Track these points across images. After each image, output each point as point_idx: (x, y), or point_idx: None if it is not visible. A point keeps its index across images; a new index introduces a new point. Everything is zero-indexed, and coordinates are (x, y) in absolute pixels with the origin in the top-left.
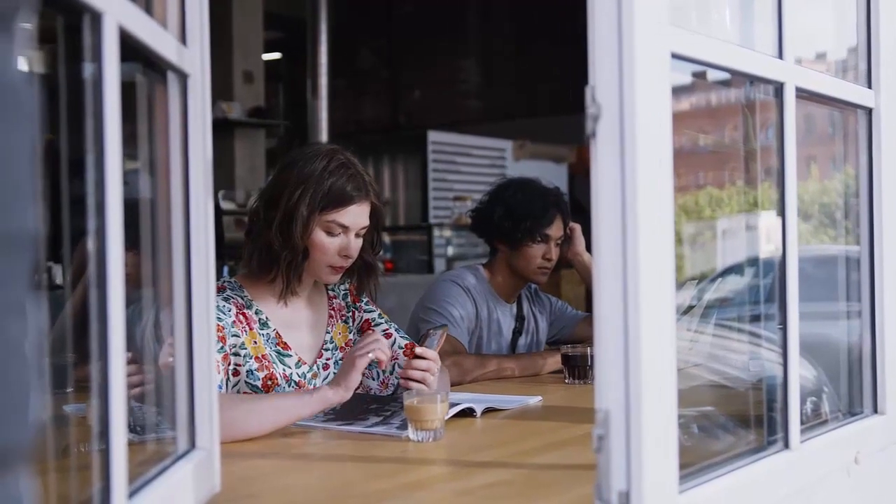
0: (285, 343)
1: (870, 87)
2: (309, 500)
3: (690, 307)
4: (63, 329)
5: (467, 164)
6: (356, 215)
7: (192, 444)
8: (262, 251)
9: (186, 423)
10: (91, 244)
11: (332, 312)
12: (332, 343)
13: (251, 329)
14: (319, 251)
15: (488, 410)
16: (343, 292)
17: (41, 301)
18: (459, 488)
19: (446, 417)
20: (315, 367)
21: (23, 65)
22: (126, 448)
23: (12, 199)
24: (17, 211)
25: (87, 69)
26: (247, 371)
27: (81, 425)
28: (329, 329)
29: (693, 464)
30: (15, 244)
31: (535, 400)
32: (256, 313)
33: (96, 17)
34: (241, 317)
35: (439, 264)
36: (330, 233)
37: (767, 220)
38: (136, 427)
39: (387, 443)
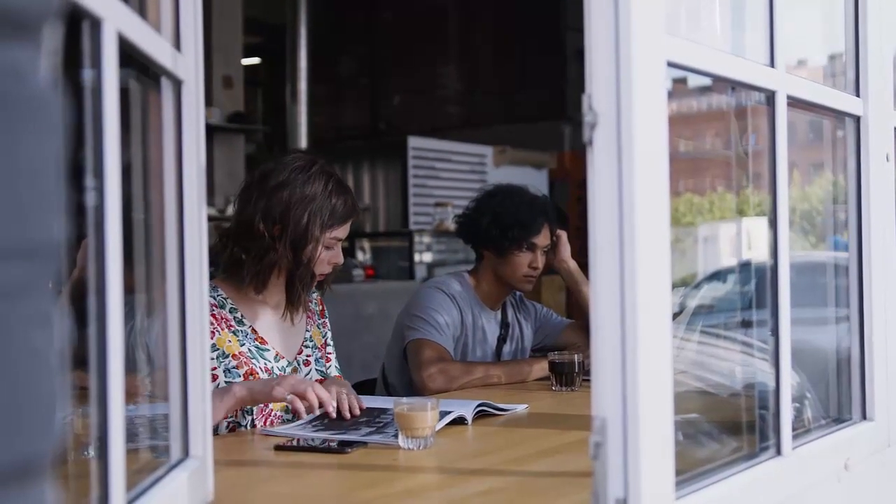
0: (262, 338)
1: (857, 95)
2: None
3: (675, 314)
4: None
5: (448, 170)
6: (349, 227)
7: (186, 453)
8: (269, 269)
9: (180, 432)
10: (89, 250)
11: (310, 313)
12: (311, 341)
13: (223, 329)
14: (317, 265)
15: (480, 414)
16: (314, 300)
17: (63, 310)
18: (454, 496)
19: (438, 427)
20: (295, 363)
21: (49, 74)
22: (124, 457)
23: (40, 208)
24: (44, 221)
25: (86, 75)
26: (224, 370)
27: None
28: (308, 328)
29: (688, 470)
30: (41, 254)
31: (521, 408)
32: (231, 312)
33: (96, 24)
34: (210, 318)
35: (420, 271)
36: (328, 247)
37: (750, 227)
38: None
39: (377, 451)
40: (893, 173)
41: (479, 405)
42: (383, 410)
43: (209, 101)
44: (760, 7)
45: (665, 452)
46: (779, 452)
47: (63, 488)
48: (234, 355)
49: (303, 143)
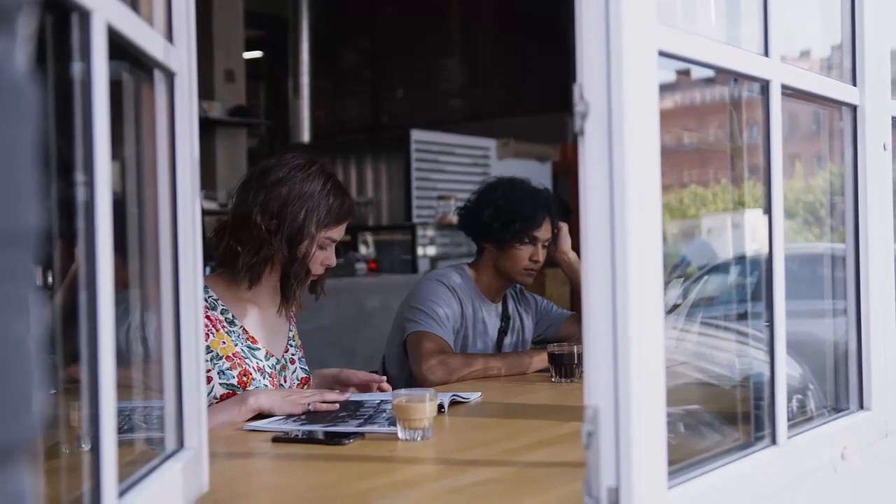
0: (252, 337)
1: (854, 84)
2: (298, 500)
3: (676, 305)
4: (48, 330)
5: (451, 164)
6: (344, 229)
7: (181, 444)
8: (264, 263)
9: (175, 423)
10: (79, 245)
11: (293, 313)
12: (294, 341)
13: (218, 330)
14: (310, 263)
15: (454, 403)
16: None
17: (43, 298)
18: (450, 486)
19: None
20: (283, 360)
21: (24, 63)
22: (116, 448)
23: (16, 195)
24: (21, 208)
25: (75, 68)
26: (218, 372)
27: (64, 426)
28: (291, 327)
29: (682, 460)
30: (18, 240)
31: (475, 396)
32: (222, 312)
33: (85, 16)
34: (205, 320)
35: (423, 264)
36: (322, 247)
37: (752, 219)
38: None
39: (375, 442)
40: (890, 163)
41: (451, 396)
42: (360, 403)
43: (211, 95)
44: None
45: (657, 441)
46: (774, 442)
47: (57, 480)
48: (227, 357)
49: (305, 137)
